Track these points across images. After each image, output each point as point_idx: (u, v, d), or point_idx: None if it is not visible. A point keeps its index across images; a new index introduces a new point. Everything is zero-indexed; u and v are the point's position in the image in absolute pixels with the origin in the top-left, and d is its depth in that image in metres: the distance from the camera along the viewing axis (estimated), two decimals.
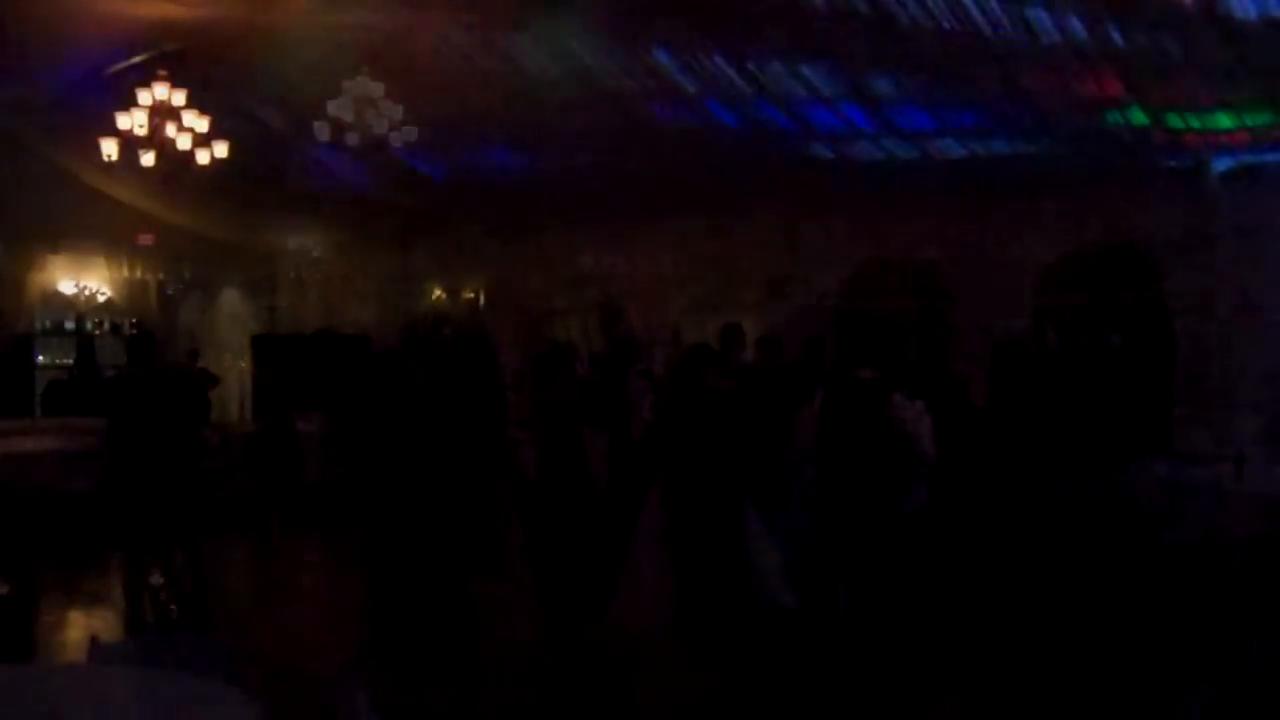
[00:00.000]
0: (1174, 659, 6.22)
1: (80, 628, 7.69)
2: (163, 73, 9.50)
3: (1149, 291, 10.58)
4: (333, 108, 9.79)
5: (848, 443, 6.23)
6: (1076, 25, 7.91)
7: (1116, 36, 7.91)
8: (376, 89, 9.73)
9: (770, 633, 6.84)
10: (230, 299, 16.66)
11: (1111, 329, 11.13)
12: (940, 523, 6.67)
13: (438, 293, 15.58)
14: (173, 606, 8.05)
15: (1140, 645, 6.64)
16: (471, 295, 15.43)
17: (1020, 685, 6.12)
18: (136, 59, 9.79)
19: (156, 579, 8.16)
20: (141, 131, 9.59)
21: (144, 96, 9.52)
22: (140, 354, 8.66)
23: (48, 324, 14.92)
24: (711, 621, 6.90)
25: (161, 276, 15.49)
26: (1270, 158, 9.49)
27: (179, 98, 9.58)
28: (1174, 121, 8.98)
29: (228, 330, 16.70)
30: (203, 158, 9.89)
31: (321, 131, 9.88)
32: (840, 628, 6.38)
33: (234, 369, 15.75)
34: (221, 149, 9.97)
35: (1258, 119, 8.88)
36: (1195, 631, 6.62)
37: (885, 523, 6.15)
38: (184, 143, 9.73)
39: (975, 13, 7.90)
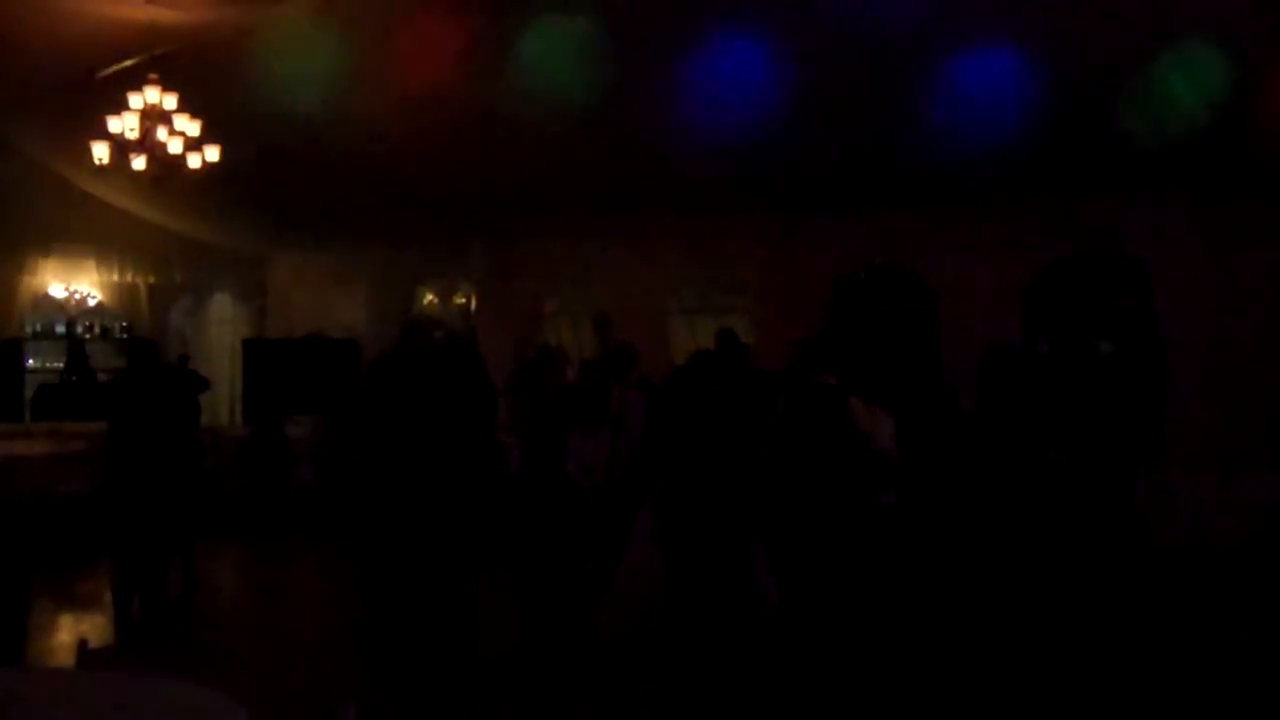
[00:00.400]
0: (1156, 670, 6.25)
1: (70, 632, 7.67)
2: (154, 76, 9.48)
3: (1139, 297, 10.61)
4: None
5: (808, 444, 6.49)
6: None
7: None
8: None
9: (757, 631, 6.89)
10: (221, 303, 16.64)
11: (1102, 335, 11.16)
12: (926, 526, 6.73)
13: (429, 297, 15.56)
14: (162, 611, 8.05)
15: (1125, 652, 6.66)
16: (463, 300, 15.42)
17: (1002, 691, 6.13)
18: (127, 63, 9.77)
19: (145, 583, 8.15)
20: (132, 135, 9.57)
21: (135, 100, 9.51)
22: (142, 357, 8.75)
23: (38, 327, 14.88)
24: (704, 621, 6.93)
25: (152, 280, 15.45)
26: None
27: (170, 101, 9.56)
28: None
29: (218, 334, 16.67)
30: (194, 162, 9.87)
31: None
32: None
33: (224, 373, 15.73)
34: (213, 153, 9.95)
35: None
36: (1180, 640, 6.65)
37: (848, 519, 6.36)
38: (175, 146, 9.71)
39: None
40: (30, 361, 14.67)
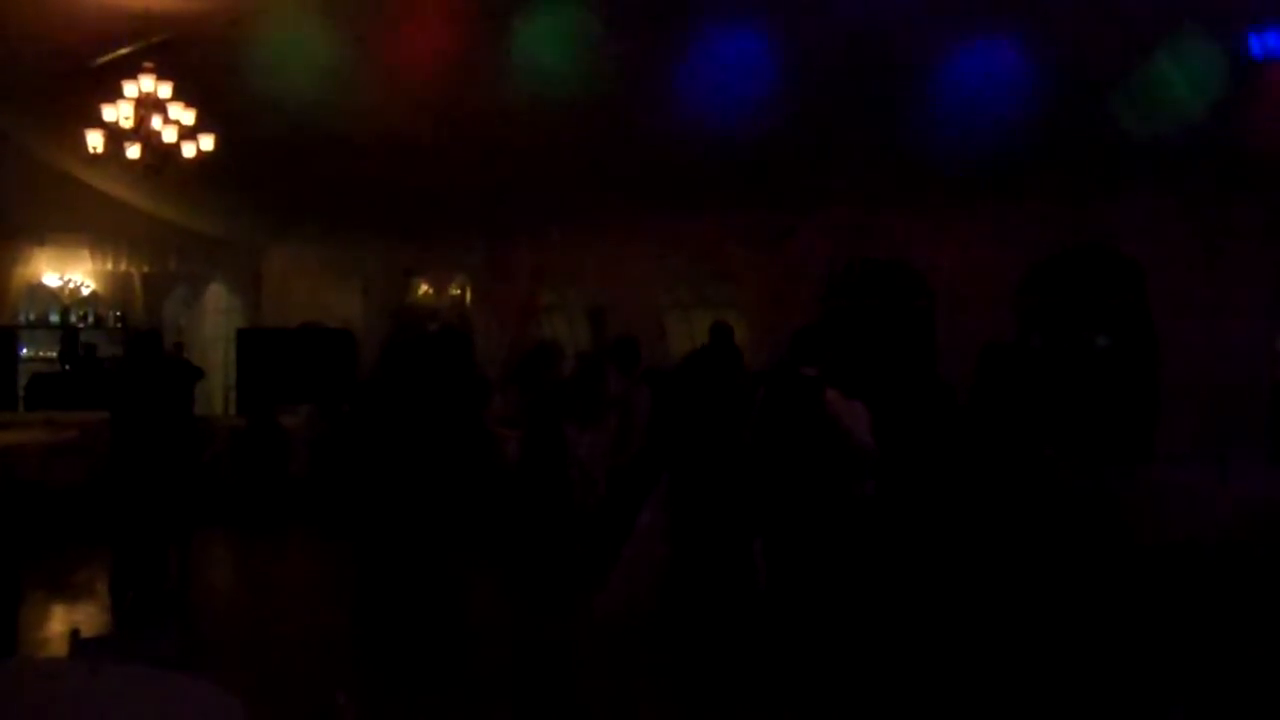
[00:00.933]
0: (1151, 669, 6.26)
1: (63, 622, 7.66)
2: (149, 65, 9.45)
3: (1133, 293, 10.62)
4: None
5: (785, 433, 6.62)
6: None
7: None
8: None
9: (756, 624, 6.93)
10: (215, 293, 16.62)
11: (1096, 331, 11.17)
12: (911, 517, 6.77)
13: (424, 289, 15.55)
14: (157, 601, 8.05)
15: (1117, 651, 6.66)
16: (458, 292, 15.41)
17: (993, 690, 6.14)
18: (122, 51, 9.73)
19: (143, 572, 8.16)
20: (127, 124, 9.54)
21: (130, 89, 9.48)
22: (146, 348, 8.78)
23: (32, 316, 14.88)
24: (709, 615, 6.96)
25: (146, 270, 15.43)
26: None
27: (165, 90, 9.53)
28: None
29: (213, 324, 16.65)
30: (188, 151, 9.85)
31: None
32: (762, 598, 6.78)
33: (218, 363, 15.73)
34: (207, 142, 9.93)
35: None
36: (1174, 639, 6.66)
37: (823, 507, 6.42)
38: (169, 135, 9.69)
39: None
40: (24, 350, 14.66)
